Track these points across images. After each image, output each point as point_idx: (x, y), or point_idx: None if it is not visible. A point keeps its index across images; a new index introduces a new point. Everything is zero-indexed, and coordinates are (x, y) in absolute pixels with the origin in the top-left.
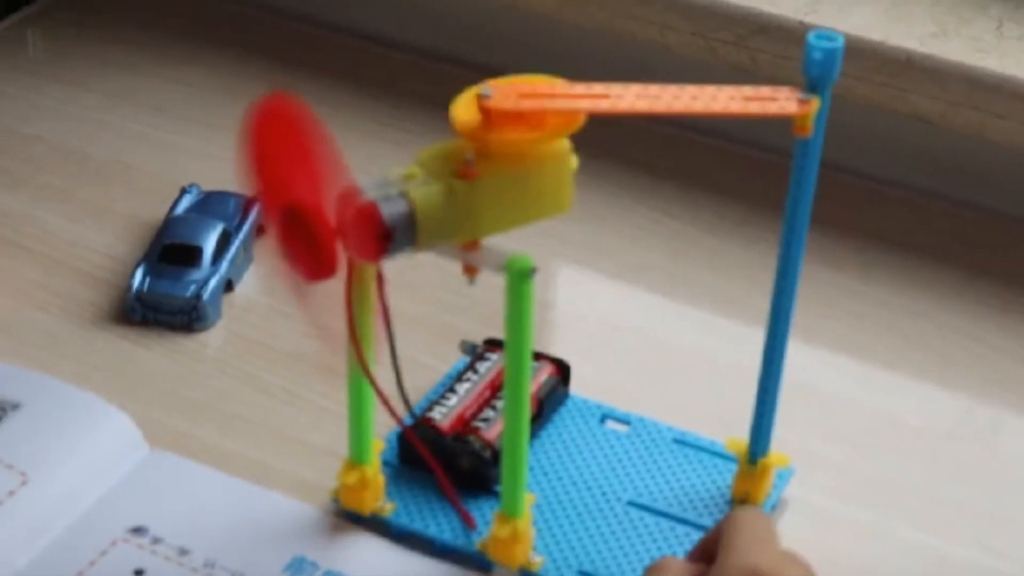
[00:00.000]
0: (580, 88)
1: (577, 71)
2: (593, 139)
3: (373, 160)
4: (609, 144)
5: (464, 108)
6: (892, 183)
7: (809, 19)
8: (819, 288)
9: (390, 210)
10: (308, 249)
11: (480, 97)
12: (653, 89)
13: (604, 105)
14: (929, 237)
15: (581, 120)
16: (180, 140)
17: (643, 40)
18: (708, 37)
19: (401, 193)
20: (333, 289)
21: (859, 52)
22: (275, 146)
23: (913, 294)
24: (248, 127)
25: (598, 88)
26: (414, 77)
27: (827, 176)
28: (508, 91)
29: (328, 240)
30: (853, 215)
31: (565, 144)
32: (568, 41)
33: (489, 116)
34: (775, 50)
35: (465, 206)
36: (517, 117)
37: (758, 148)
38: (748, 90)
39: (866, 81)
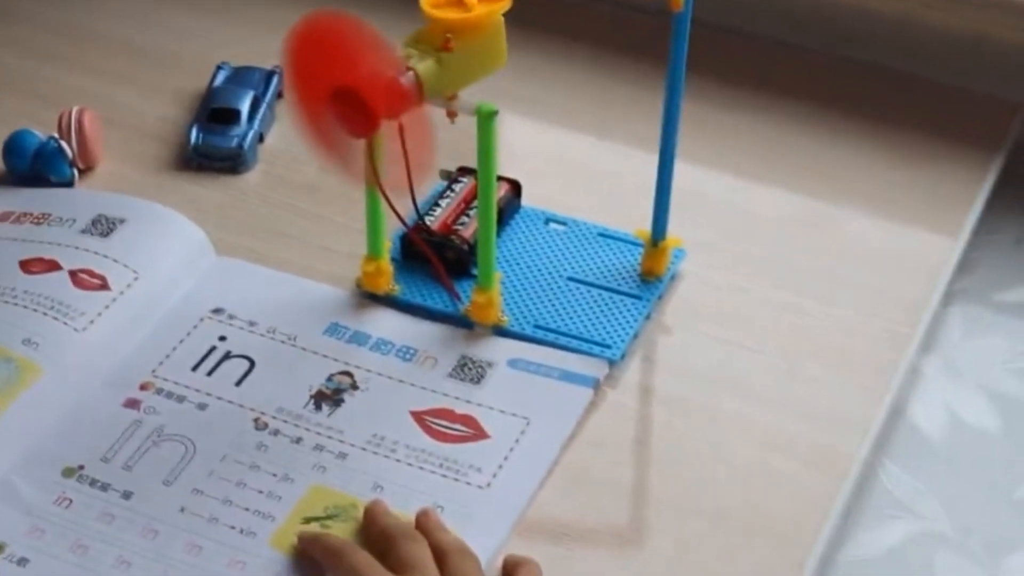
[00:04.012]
0: None
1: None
2: (535, 18)
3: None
4: (546, 21)
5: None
6: (777, 41)
7: None
8: (706, 122)
9: (406, 81)
10: (356, 114)
11: None
12: None
13: None
14: (792, 80)
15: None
16: (212, 29)
17: None
18: None
19: (409, 68)
20: (349, 141)
21: None
22: (318, 49)
23: (776, 125)
24: (292, 42)
25: None
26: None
27: (715, 37)
28: None
29: (373, 106)
30: (738, 67)
31: (500, 18)
32: None
33: None
34: None
35: (448, 70)
36: None
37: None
38: None
39: None
